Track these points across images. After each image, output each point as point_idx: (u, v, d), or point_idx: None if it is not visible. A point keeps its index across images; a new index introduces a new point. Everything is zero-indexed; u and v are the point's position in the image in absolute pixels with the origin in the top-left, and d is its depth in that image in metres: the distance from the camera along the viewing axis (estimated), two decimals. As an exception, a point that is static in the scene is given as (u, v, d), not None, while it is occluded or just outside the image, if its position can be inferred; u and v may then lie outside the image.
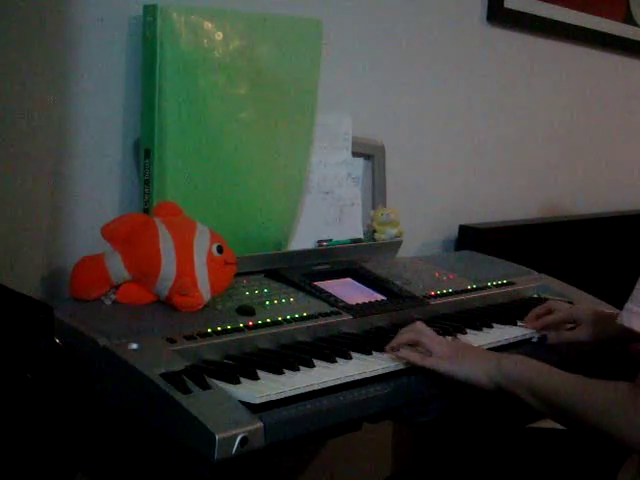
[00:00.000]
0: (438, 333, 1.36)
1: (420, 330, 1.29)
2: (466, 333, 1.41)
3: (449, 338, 1.34)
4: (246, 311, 1.30)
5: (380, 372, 1.21)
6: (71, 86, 1.37)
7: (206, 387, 1.03)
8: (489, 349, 1.38)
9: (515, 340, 1.44)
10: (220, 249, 1.30)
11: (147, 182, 1.39)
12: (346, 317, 1.38)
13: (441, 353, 1.24)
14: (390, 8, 1.88)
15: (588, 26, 2.40)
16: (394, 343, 1.27)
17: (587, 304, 1.60)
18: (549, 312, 1.51)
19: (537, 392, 1.17)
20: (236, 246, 1.37)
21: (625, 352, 1.43)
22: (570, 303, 1.66)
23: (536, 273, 1.85)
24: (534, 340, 1.48)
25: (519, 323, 1.51)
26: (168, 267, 1.26)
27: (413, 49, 1.95)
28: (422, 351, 1.26)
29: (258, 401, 1.02)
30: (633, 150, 2.76)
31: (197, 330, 1.19)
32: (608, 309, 1.68)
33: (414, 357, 1.24)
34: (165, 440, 1.02)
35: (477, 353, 1.26)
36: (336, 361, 1.20)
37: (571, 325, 1.49)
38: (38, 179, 1.35)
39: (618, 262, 2.42)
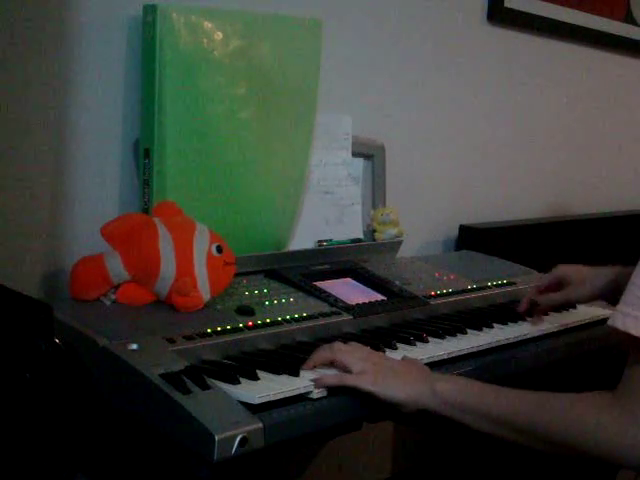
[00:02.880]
0: (437, 334, 1.36)
1: (336, 348, 1.17)
2: (466, 333, 1.40)
3: (378, 352, 1.22)
4: (246, 311, 1.30)
5: (380, 372, 1.20)
6: (71, 86, 1.37)
7: (206, 387, 1.02)
8: (489, 350, 1.38)
9: (515, 340, 1.44)
10: (220, 249, 1.30)
11: (147, 182, 1.39)
12: (346, 317, 1.38)
13: (361, 370, 1.13)
14: (390, 8, 1.88)
15: (588, 26, 2.41)
16: (309, 363, 1.15)
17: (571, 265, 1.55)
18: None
19: (488, 414, 1.10)
20: (236, 246, 1.37)
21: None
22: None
23: (536, 273, 1.85)
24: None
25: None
26: (167, 267, 1.26)
27: (413, 49, 1.95)
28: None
29: (258, 401, 1.02)
30: (633, 150, 2.76)
31: (197, 330, 1.19)
32: (608, 309, 1.67)
33: (329, 379, 1.11)
34: (164, 440, 1.02)
35: (402, 372, 1.15)
36: (336, 361, 1.19)
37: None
38: (38, 179, 1.35)
39: (618, 262, 2.42)
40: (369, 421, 1.17)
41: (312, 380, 1.11)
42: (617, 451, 1.02)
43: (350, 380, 1.12)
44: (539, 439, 1.08)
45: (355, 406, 1.13)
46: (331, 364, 1.16)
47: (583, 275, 1.49)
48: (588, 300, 1.50)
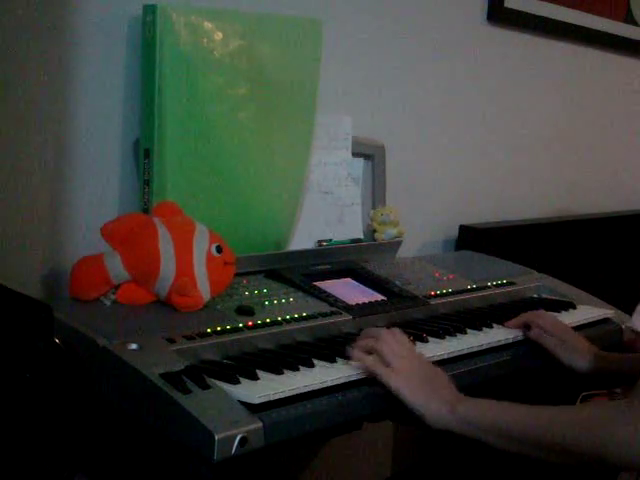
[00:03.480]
0: (437, 334, 1.36)
1: (383, 337, 1.19)
2: (466, 333, 1.40)
3: (417, 349, 1.24)
4: (246, 311, 1.30)
5: (380, 372, 1.20)
6: (71, 86, 1.37)
7: (206, 387, 1.03)
8: (489, 349, 1.38)
9: (515, 340, 1.44)
10: (219, 249, 1.30)
11: (147, 182, 1.39)
12: (346, 317, 1.38)
13: (399, 368, 1.15)
14: (390, 8, 1.88)
15: (588, 26, 2.41)
16: (358, 345, 1.19)
17: (577, 335, 1.48)
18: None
19: (506, 432, 1.10)
20: (236, 246, 1.37)
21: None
22: (571, 304, 1.66)
23: (536, 273, 1.85)
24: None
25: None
26: (167, 267, 1.26)
27: (413, 49, 1.95)
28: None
29: (258, 401, 1.02)
30: (633, 150, 2.76)
31: (197, 330, 1.19)
32: (608, 309, 1.68)
33: (367, 360, 1.15)
34: (165, 440, 1.02)
35: (434, 386, 1.15)
36: (336, 361, 1.19)
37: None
38: (38, 179, 1.35)
39: (618, 262, 2.43)
40: (369, 421, 1.18)
41: (348, 359, 1.15)
42: (629, 455, 1.00)
43: (383, 374, 1.14)
44: (556, 452, 1.08)
45: (355, 406, 1.13)
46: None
47: (582, 345, 1.43)
48: (583, 371, 1.42)
